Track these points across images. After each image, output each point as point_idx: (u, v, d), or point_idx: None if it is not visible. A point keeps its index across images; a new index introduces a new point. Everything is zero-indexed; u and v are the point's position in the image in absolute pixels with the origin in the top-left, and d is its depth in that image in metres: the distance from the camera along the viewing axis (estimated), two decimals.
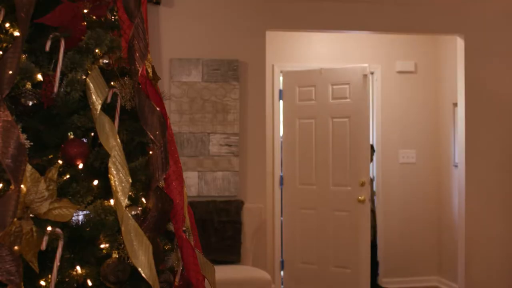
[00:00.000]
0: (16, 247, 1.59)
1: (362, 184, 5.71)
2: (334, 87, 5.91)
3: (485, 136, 5.62)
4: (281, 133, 6.33)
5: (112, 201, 1.78)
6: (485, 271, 5.62)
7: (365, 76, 5.73)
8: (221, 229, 5.03)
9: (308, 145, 6.05)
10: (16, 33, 1.74)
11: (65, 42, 1.79)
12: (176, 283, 1.93)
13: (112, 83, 1.89)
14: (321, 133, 5.96)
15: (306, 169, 6.07)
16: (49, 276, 1.66)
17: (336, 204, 5.88)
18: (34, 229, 1.65)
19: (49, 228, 1.66)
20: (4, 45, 1.75)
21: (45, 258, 1.68)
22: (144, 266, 1.69)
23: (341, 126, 5.86)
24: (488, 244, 5.64)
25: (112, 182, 1.74)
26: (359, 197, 5.71)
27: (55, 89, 1.76)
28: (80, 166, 1.77)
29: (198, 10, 5.28)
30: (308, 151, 6.05)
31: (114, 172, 1.75)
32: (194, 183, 5.16)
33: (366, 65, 5.79)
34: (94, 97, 1.78)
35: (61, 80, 1.78)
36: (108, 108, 1.83)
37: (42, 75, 1.76)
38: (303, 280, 6.04)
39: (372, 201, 5.92)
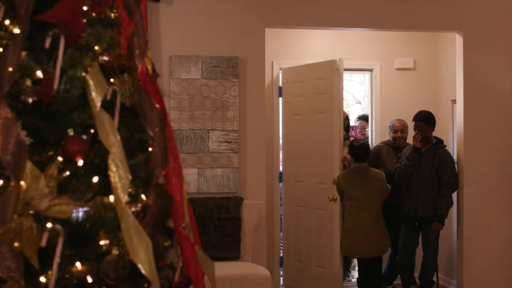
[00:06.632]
0: (16, 244, 1.60)
1: (334, 182, 5.60)
2: (316, 82, 5.83)
3: (484, 133, 5.63)
4: (281, 130, 6.33)
5: (112, 198, 1.78)
6: (483, 268, 5.63)
7: (336, 70, 5.62)
8: (221, 225, 5.04)
9: (299, 142, 6.01)
10: (16, 30, 1.74)
11: (65, 39, 1.79)
12: (175, 279, 1.94)
13: (111, 80, 1.89)
14: (307, 129, 5.90)
15: (298, 166, 6.04)
16: (49, 272, 1.66)
17: (317, 202, 5.81)
18: (34, 225, 1.65)
19: (49, 225, 1.66)
20: (4, 42, 1.75)
21: (45, 255, 1.68)
22: (144, 262, 1.70)
23: (319, 121, 5.77)
24: (487, 241, 5.65)
25: (111, 179, 1.74)
26: (329, 196, 5.60)
27: (55, 86, 1.76)
28: (80, 163, 1.77)
29: (197, 7, 5.29)
30: (299, 148, 6.02)
31: (114, 169, 1.75)
32: (193, 179, 5.17)
33: (337, 59, 5.66)
34: (93, 94, 1.78)
35: (61, 77, 1.78)
36: (107, 105, 1.83)
37: (42, 72, 1.76)
38: (299, 279, 6.03)
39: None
